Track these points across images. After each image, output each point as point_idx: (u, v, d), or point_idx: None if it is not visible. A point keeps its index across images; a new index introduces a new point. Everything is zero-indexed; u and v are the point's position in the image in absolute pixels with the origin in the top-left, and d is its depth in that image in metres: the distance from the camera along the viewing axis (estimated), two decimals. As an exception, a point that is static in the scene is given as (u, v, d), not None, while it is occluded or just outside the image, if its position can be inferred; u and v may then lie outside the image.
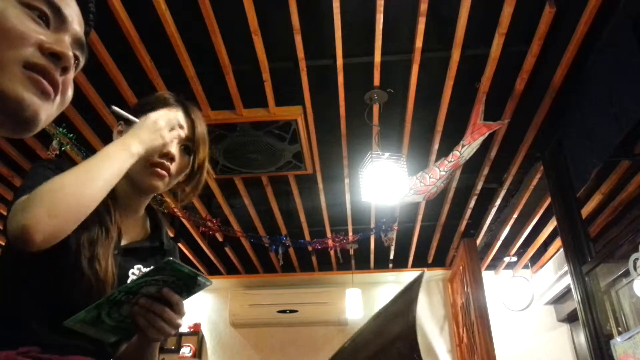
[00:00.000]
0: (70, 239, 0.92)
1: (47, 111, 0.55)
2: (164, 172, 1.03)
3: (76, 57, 0.60)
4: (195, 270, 0.86)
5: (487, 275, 4.72)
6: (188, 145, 1.09)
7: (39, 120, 0.54)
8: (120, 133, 1.07)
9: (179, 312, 0.89)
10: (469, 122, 2.64)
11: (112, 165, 0.91)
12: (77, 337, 0.96)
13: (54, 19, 0.57)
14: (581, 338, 4.34)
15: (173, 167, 1.05)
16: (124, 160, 0.92)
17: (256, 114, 2.78)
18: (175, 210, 3.47)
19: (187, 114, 1.10)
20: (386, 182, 2.63)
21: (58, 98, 0.56)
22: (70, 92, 0.59)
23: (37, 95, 0.53)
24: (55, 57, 0.55)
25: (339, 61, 2.44)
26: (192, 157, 1.10)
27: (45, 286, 0.93)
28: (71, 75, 0.58)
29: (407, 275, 5.10)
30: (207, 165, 1.13)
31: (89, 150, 2.93)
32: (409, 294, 0.72)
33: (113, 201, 1.02)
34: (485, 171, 3.33)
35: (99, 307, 0.84)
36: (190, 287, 0.88)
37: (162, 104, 1.09)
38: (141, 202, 1.09)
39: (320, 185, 3.53)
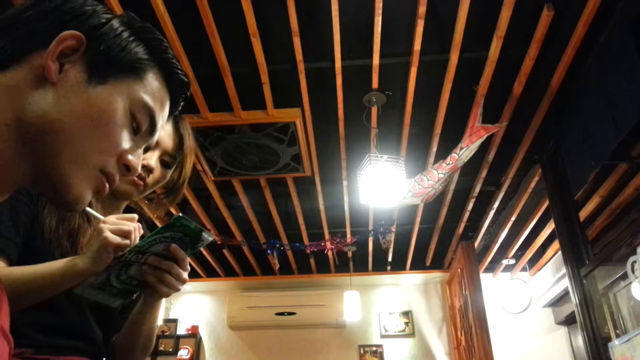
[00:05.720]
0: (52, 234, 0.95)
1: None
2: (139, 182, 1.06)
3: None
4: (199, 225, 0.89)
5: (485, 278, 4.72)
6: (167, 160, 1.11)
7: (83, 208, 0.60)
8: None
9: (185, 268, 0.94)
10: (467, 125, 2.64)
11: (56, 287, 0.86)
12: (70, 337, 0.96)
13: (145, 131, 0.64)
14: (579, 341, 4.34)
15: (150, 178, 1.08)
16: (69, 282, 0.86)
17: (255, 116, 2.78)
18: (174, 212, 3.47)
19: (176, 128, 1.12)
20: (384, 185, 2.63)
21: None
22: None
23: (94, 193, 0.60)
24: (127, 168, 0.62)
25: (338, 64, 2.45)
26: (175, 171, 1.13)
27: None
28: None
29: (405, 278, 5.12)
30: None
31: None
32: None
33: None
34: (484, 174, 3.33)
35: (109, 270, 0.85)
36: (194, 242, 0.91)
37: None
38: (118, 204, 1.12)
39: (319, 188, 3.53)
